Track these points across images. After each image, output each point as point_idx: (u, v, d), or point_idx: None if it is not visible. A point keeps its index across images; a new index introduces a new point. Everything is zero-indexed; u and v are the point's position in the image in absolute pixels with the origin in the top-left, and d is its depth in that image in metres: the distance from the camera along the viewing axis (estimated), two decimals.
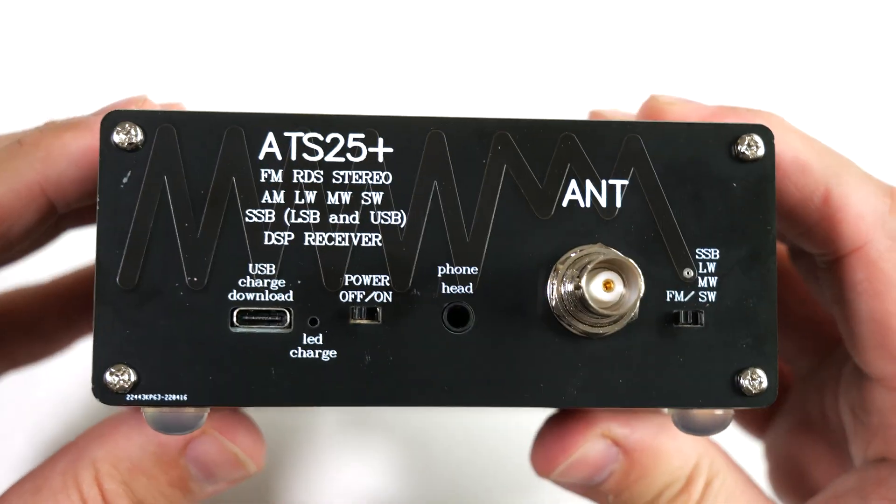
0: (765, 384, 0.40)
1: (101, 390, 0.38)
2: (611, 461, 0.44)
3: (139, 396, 0.38)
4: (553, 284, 0.39)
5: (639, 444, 0.44)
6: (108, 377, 0.38)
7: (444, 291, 0.39)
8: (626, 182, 0.40)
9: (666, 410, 0.41)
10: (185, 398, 0.38)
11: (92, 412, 0.61)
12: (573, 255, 0.39)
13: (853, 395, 0.48)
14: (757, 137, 0.40)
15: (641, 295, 0.38)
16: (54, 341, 0.54)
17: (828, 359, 0.51)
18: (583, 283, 0.38)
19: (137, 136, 0.39)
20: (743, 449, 0.52)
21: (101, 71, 0.66)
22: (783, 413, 0.54)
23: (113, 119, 0.39)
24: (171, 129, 0.39)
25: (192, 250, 0.39)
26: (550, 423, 0.46)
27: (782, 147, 0.43)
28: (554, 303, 0.39)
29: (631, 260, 0.38)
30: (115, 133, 0.38)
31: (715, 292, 0.40)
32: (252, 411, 0.47)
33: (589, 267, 0.38)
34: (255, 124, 0.39)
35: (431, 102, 0.65)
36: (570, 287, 0.38)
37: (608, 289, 0.38)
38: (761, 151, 0.40)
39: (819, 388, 0.52)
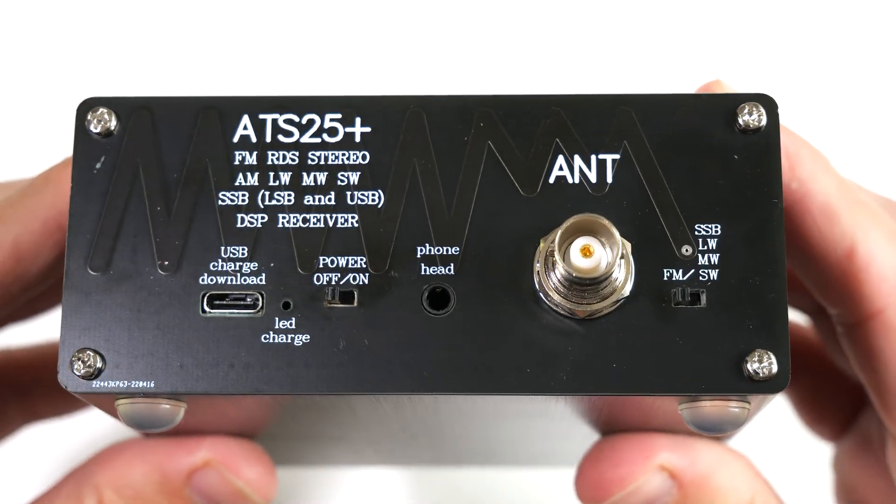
0: (775, 368, 0.36)
1: (67, 377, 0.37)
2: (665, 494, 0.41)
3: (105, 383, 0.37)
4: (538, 263, 0.37)
5: (696, 479, 0.41)
6: (74, 363, 0.37)
7: (423, 272, 0.37)
8: (616, 156, 0.38)
9: (679, 408, 0.38)
10: (152, 385, 0.37)
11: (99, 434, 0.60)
12: (556, 231, 0.37)
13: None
14: (759, 106, 0.37)
15: (622, 252, 0.35)
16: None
17: None
18: (557, 254, 0.35)
19: (112, 121, 0.38)
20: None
21: (76, 61, 0.66)
22: (855, 427, 0.50)
23: (88, 105, 0.38)
24: (146, 114, 0.38)
25: (163, 234, 0.37)
26: (602, 447, 0.43)
27: (815, 188, 0.41)
28: (539, 283, 0.37)
29: (600, 216, 0.35)
30: (89, 119, 0.38)
31: (717, 270, 0.37)
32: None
33: (558, 235, 0.35)
34: (230, 107, 0.38)
35: (411, 81, 0.64)
36: (551, 264, 0.36)
37: (587, 254, 0.35)
38: (764, 121, 0.37)
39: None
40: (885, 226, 0.41)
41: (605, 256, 0.35)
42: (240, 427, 0.43)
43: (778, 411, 0.50)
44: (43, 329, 0.51)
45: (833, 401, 0.51)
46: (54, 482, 0.43)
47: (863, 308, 0.41)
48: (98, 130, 0.38)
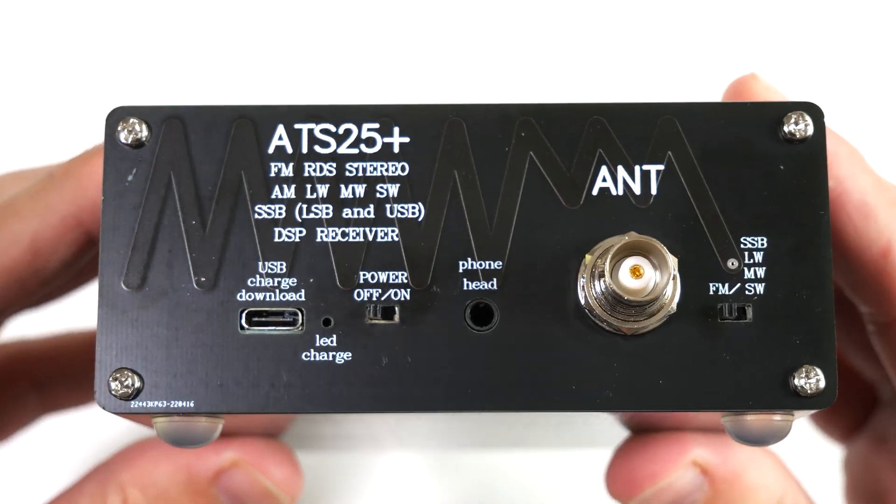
0: (822, 384, 0.36)
1: (104, 398, 0.36)
2: (696, 490, 0.41)
3: (143, 403, 0.36)
4: (583, 278, 0.36)
5: (728, 476, 0.41)
6: (111, 383, 0.36)
7: (466, 288, 0.37)
8: (661, 167, 0.37)
9: (721, 420, 0.38)
10: (192, 405, 0.36)
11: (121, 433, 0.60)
12: (606, 243, 0.36)
13: None
14: (806, 115, 0.37)
15: (674, 274, 0.35)
16: (6, 425, 0.52)
17: None
18: (607, 273, 0.35)
19: (142, 131, 0.37)
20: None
21: (106, 67, 0.65)
22: (868, 427, 0.50)
23: (118, 115, 0.37)
24: (178, 124, 0.37)
25: (199, 249, 0.37)
26: (634, 443, 0.43)
27: (852, 186, 0.40)
28: (584, 298, 0.36)
29: (654, 239, 0.35)
30: (119, 129, 0.37)
31: (763, 284, 0.36)
32: (294, 443, 0.45)
33: (609, 255, 0.35)
34: (265, 117, 0.37)
35: (448, 90, 0.63)
36: (598, 280, 0.35)
37: (636, 275, 0.35)
38: (811, 130, 0.37)
39: None
40: None
41: (654, 278, 0.35)
42: (265, 429, 0.42)
43: None
44: (57, 316, 0.50)
45: (845, 400, 0.50)
46: (77, 479, 0.42)
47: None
48: (128, 141, 0.37)
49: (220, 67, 0.65)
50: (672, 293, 0.36)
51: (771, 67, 0.63)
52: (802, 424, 0.52)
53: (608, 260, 0.35)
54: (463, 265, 0.37)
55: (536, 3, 0.66)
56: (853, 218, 0.40)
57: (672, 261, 0.35)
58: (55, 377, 0.51)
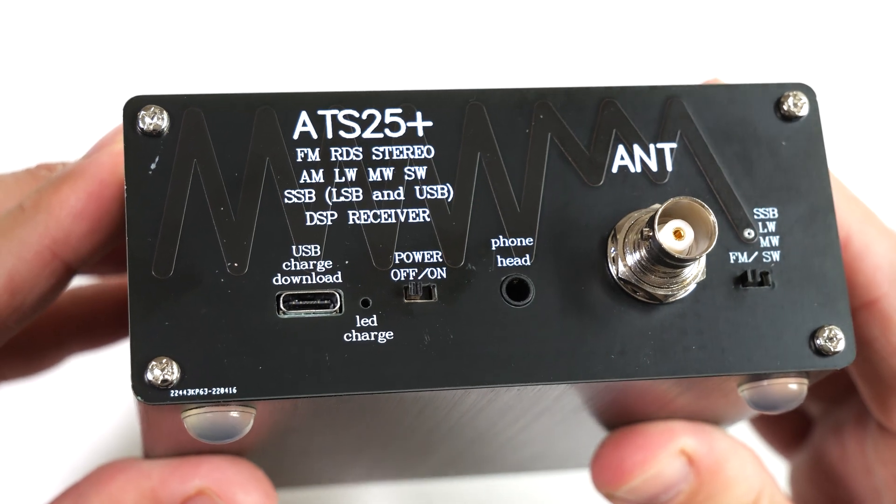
0: (843, 343, 0.37)
1: (143, 388, 0.34)
2: (682, 480, 0.42)
3: (185, 392, 0.35)
4: (614, 250, 0.37)
5: (713, 467, 0.42)
6: (149, 373, 0.34)
7: (500, 264, 0.37)
8: (674, 145, 0.38)
9: (739, 390, 0.39)
10: (235, 391, 0.35)
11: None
12: (635, 215, 0.37)
13: (882, 448, 0.46)
14: (801, 94, 0.39)
15: (716, 236, 0.36)
16: (44, 359, 0.52)
17: (846, 402, 0.49)
18: (656, 233, 0.35)
19: (164, 120, 0.36)
20: None
21: (122, 58, 0.63)
22: (807, 443, 0.52)
23: (136, 103, 0.36)
24: (198, 112, 0.36)
25: (230, 234, 0.36)
26: (621, 433, 0.43)
27: None
28: (617, 269, 0.37)
29: (701, 202, 0.36)
30: (139, 117, 0.36)
31: (779, 252, 0.38)
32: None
33: (658, 214, 0.35)
34: (286, 103, 0.37)
35: (464, 76, 0.64)
36: (638, 242, 0.36)
37: (679, 237, 0.36)
38: (806, 108, 0.39)
39: (836, 430, 0.50)
40: (877, 221, 0.43)
41: (693, 241, 0.36)
42: (252, 443, 0.41)
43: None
44: None
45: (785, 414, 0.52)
46: (50, 500, 0.41)
47: (856, 298, 0.43)
48: (149, 129, 0.36)
49: (237, 57, 0.63)
50: (702, 262, 0.37)
51: (767, 55, 0.66)
52: (747, 433, 0.54)
53: (657, 219, 0.35)
54: (495, 243, 0.37)
55: None
56: None
57: (716, 224, 0.36)
58: (97, 319, 0.51)
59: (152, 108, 0.36)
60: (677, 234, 0.36)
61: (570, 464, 0.51)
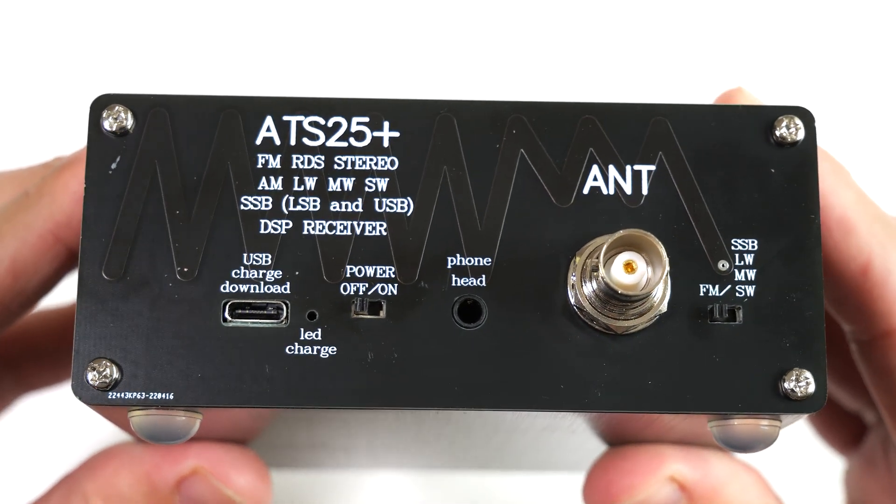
0: (812, 387, 0.36)
1: (81, 388, 0.35)
2: None
3: (122, 395, 0.35)
4: (573, 277, 0.36)
5: (707, 493, 0.41)
6: (89, 373, 0.35)
7: (454, 284, 0.36)
8: (652, 168, 0.37)
9: (708, 426, 0.37)
10: (172, 397, 0.35)
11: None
12: (598, 241, 0.36)
13: None
14: (797, 119, 0.37)
15: (667, 270, 0.34)
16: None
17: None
18: (601, 268, 0.34)
19: (128, 119, 0.36)
20: None
21: (93, 56, 0.64)
22: (861, 447, 0.50)
23: (103, 102, 0.36)
24: (164, 113, 0.36)
25: (183, 239, 0.36)
26: (612, 456, 0.42)
27: (834, 201, 0.40)
28: (574, 296, 0.36)
29: (649, 233, 0.34)
30: (104, 117, 0.36)
31: (753, 286, 0.36)
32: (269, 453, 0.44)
33: (604, 249, 0.34)
34: (253, 107, 0.37)
35: (441, 86, 0.63)
36: (590, 276, 0.35)
37: (630, 270, 0.34)
38: (801, 134, 0.37)
39: (884, 442, 0.48)
40: None
41: (646, 274, 0.35)
42: (241, 433, 0.42)
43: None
44: None
45: (845, 410, 0.50)
46: (46, 489, 0.42)
47: (876, 326, 0.41)
48: (113, 129, 0.36)
49: (210, 58, 0.64)
50: (663, 293, 0.35)
51: (762, 71, 0.63)
52: (805, 433, 0.52)
53: (602, 254, 0.34)
54: (451, 261, 0.36)
55: (531, 1, 0.66)
56: (834, 233, 0.40)
57: (665, 256, 0.34)
58: (29, 356, 0.51)
59: (116, 108, 0.36)
60: (628, 266, 0.34)
61: (578, 468, 0.50)
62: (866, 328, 0.41)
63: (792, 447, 0.55)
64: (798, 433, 0.53)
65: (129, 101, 0.36)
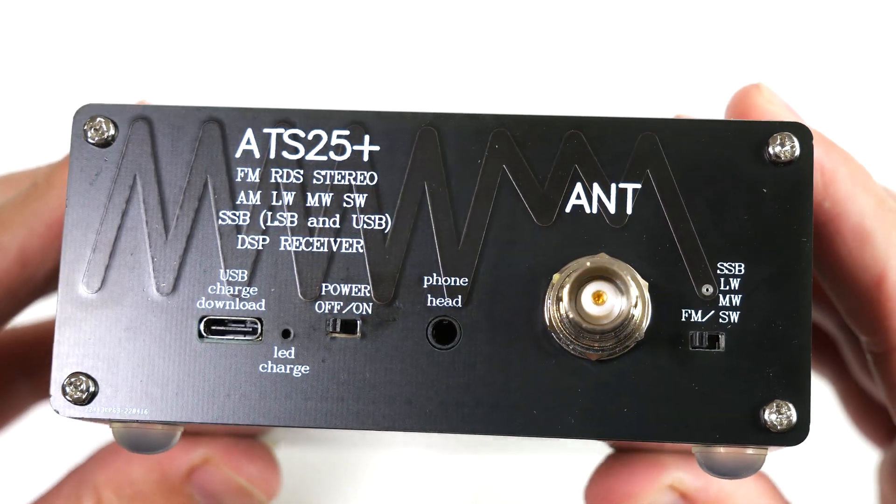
0: (794, 419, 0.34)
1: (59, 402, 0.36)
2: None
3: (97, 409, 0.36)
4: (550, 300, 0.35)
5: (711, 502, 0.40)
6: (67, 387, 0.36)
7: (430, 304, 0.35)
8: (638, 186, 0.35)
9: (692, 450, 0.36)
10: (146, 413, 0.36)
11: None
12: (580, 261, 0.35)
13: None
14: (793, 137, 0.35)
15: (636, 301, 0.33)
16: None
17: None
18: (565, 299, 0.33)
19: (109, 130, 0.36)
20: None
21: (80, 65, 0.64)
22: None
23: (85, 113, 0.36)
24: (146, 124, 0.36)
25: (161, 253, 0.36)
26: (613, 462, 0.42)
27: (850, 208, 0.38)
28: (550, 320, 0.35)
29: (618, 261, 0.33)
30: (86, 128, 0.36)
31: (738, 312, 0.35)
32: (280, 435, 0.44)
33: (569, 282, 0.33)
34: (233, 119, 0.36)
35: (422, 97, 0.61)
36: (559, 305, 0.34)
37: (598, 301, 0.34)
38: (797, 152, 0.35)
39: None
40: None
41: (618, 304, 0.34)
42: (243, 431, 0.42)
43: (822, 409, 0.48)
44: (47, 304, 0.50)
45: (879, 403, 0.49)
46: (55, 482, 0.42)
47: (890, 340, 0.39)
48: (95, 140, 0.36)
49: (195, 69, 0.64)
50: (641, 318, 0.34)
51: (758, 77, 0.61)
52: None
53: (567, 286, 0.33)
54: (428, 280, 0.36)
55: (517, 13, 0.64)
56: (848, 242, 0.39)
57: (635, 288, 0.33)
58: (46, 364, 0.51)
59: (99, 119, 0.36)
60: (597, 297, 0.34)
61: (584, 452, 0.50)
62: (880, 341, 0.40)
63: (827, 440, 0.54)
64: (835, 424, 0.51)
65: (112, 111, 0.36)
